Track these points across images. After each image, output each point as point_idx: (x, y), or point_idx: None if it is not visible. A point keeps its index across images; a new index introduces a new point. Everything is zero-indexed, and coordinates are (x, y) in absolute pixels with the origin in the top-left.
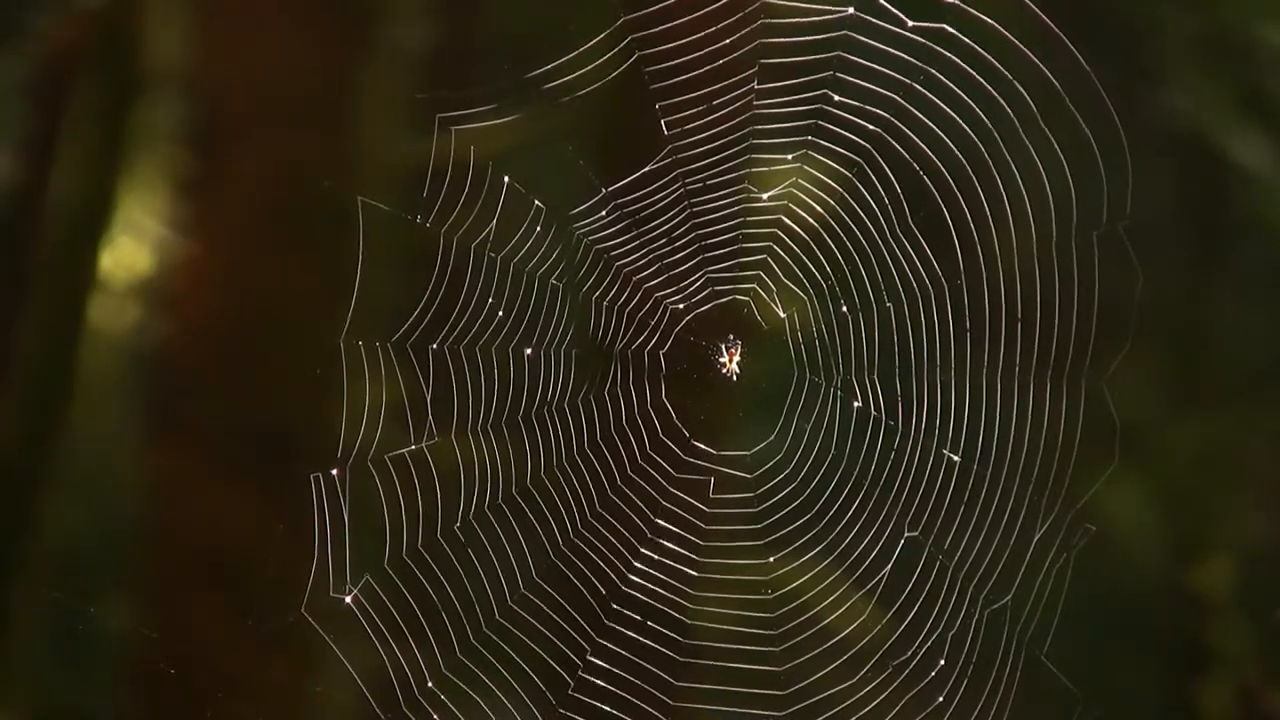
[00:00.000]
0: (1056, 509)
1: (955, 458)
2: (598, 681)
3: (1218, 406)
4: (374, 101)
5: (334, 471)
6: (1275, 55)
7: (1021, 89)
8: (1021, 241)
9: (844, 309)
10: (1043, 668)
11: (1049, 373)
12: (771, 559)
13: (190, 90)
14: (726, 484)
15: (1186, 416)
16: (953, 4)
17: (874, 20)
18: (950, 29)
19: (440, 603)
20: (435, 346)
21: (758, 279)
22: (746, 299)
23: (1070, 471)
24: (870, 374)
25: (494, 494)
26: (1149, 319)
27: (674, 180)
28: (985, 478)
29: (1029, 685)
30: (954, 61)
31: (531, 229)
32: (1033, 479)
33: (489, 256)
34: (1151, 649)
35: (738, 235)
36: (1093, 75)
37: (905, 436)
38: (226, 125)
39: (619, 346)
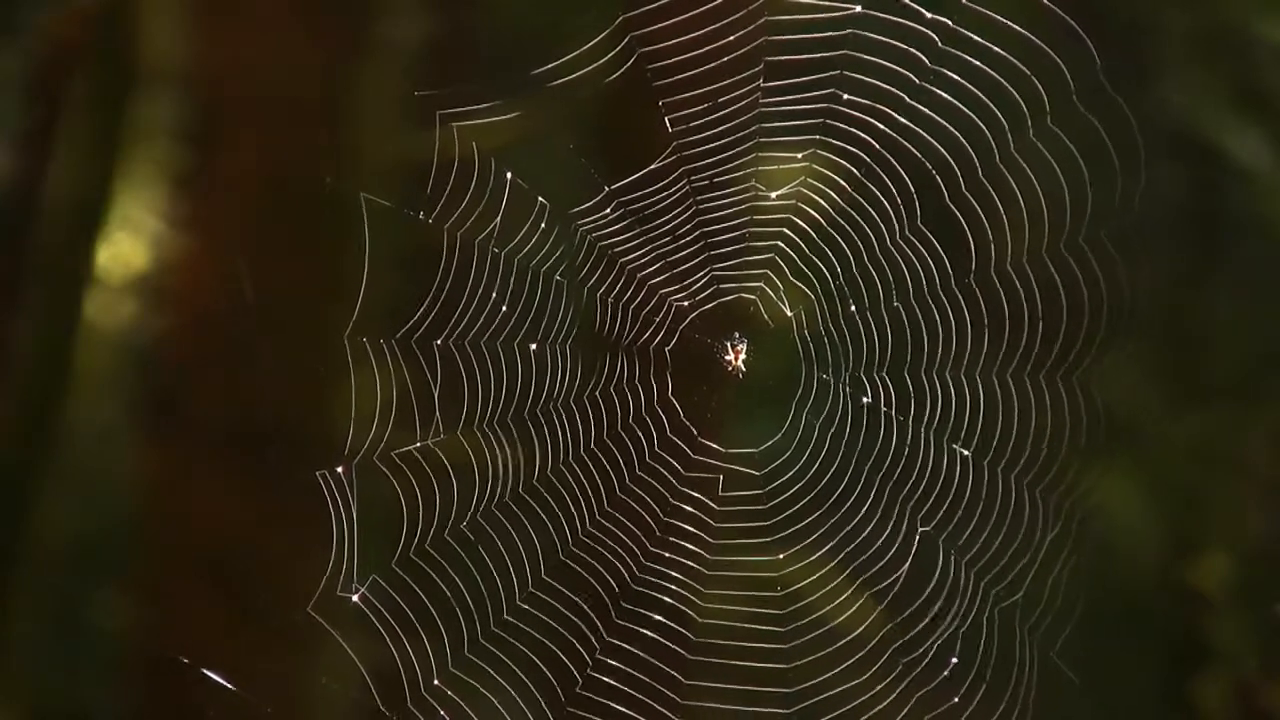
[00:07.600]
0: (1067, 505)
1: (965, 452)
2: (607, 679)
3: (1215, 402)
4: (374, 97)
5: (339, 468)
6: (1273, 51)
7: (1029, 85)
8: (1033, 238)
9: (851, 308)
10: (1048, 666)
11: (1057, 370)
12: (781, 555)
13: (187, 85)
14: (735, 481)
15: (1183, 412)
16: (959, 1)
17: (882, 17)
18: (957, 25)
19: (448, 600)
20: (439, 342)
21: (764, 277)
22: (753, 297)
23: (1075, 466)
24: (879, 370)
25: (502, 491)
26: (1147, 315)
27: (679, 178)
28: (998, 473)
29: (1032, 682)
30: (962, 58)
31: (535, 225)
32: (1046, 476)
33: (492, 252)
34: (1149, 645)
35: (745, 234)
36: (1100, 72)
37: (914, 431)
38: (224, 120)
39: (625, 343)
